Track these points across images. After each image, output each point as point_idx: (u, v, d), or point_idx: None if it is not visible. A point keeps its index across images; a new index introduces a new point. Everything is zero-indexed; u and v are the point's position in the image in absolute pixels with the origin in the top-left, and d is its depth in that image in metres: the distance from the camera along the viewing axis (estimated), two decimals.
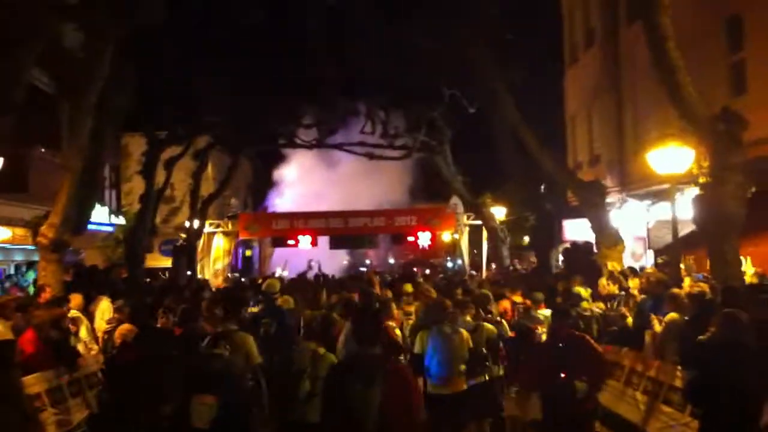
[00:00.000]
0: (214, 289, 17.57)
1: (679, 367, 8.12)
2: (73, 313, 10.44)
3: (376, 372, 4.65)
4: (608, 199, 16.79)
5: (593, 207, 15.67)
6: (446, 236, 30.80)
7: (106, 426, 6.92)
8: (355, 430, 4.65)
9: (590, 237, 16.95)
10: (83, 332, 10.55)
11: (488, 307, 9.89)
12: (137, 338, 7.40)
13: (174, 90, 20.32)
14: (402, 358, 8.46)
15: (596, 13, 21.57)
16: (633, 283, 12.45)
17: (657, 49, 11.22)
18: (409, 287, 12.31)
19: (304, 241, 25.90)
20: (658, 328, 9.23)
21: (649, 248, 19.26)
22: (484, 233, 25.87)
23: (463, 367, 7.79)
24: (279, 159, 41.79)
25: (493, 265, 25.33)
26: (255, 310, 11.13)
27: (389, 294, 12.08)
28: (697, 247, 13.65)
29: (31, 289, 14.74)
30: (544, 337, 8.45)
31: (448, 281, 18.31)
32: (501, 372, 8.69)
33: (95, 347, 10.62)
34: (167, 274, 23.36)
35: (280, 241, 27.62)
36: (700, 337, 6.49)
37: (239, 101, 21.13)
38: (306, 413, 6.12)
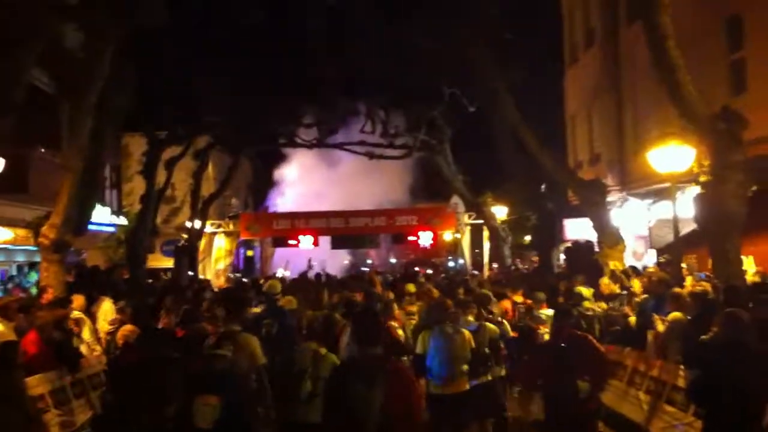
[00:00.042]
0: (216, 290, 17.60)
1: (682, 367, 8.14)
2: (76, 314, 10.45)
3: (377, 373, 4.64)
4: (609, 198, 16.78)
5: (594, 206, 15.66)
6: (447, 236, 30.82)
7: (110, 427, 6.91)
8: (357, 430, 4.65)
9: (591, 236, 16.95)
10: (86, 333, 10.56)
11: (489, 307, 9.89)
12: (139, 339, 7.40)
13: (174, 90, 20.34)
14: (405, 358, 8.48)
15: (596, 13, 21.58)
16: (635, 283, 12.44)
17: (657, 48, 11.22)
18: (411, 287, 12.31)
19: (306, 241, 25.93)
20: (660, 327, 9.23)
21: (650, 247, 19.26)
22: (486, 232, 25.87)
23: (465, 367, 7.80)
24: (279, 159, 41.92)
25: (495, 265, 25.34)
26: (257, 310, 11.14)
27: (391, 295, 12.09)
28: (699, 245, 13.65)
29: (34, 290, 14.74)
30: (546, 337, 8.45)
31: (450, 281, 18.31)
32: (503, 372, 8.70)
33: (98, 348, 10.62)
34: (169, 275, 23.39)
35: (281, 241, 27.64)
36: (703, 336, 6.50)
37: (239, 101, 21.13)
38: (307, 413, 6.14)
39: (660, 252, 17.78)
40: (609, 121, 20.73)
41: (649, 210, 18.61)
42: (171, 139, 21.80)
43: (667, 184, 12.79)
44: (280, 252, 32.54)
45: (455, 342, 7.78)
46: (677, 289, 9.70)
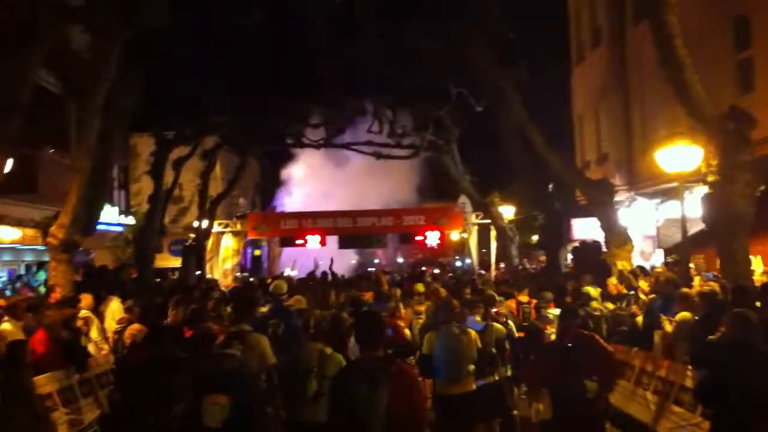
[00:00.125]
0: (223, 289, 17.63)
1: (690, 367, 8.11)
2: (84, 313, 10.50)
3: (380, 375, 4.62)
4: (617, 198, 16.74)
5: (602, 206, 15.62)
6: (455, 235, 30.81)
7: (118, 426, 6.92)
8: (361, 431, 4.65)
9: (599, 236, 16.90)
10: (94, 332, 10.61)
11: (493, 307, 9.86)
12: (147, 338, 7.41)
13: (181, 90, 20.36)
14: (412, 357, 8.48)
15: (603, 12, 21.53)
16: (643, 283, 12.39)
17: (664, 47, 11.19)
18: (420, 287, 12.32)
19: (313, 240, 25.96)
20: (668, 328, 9.19)
21: (658, 247, 19.21)
22: (493, 232, 25.85)
23: (471, 367, 7.78)
24: (287, 158, 41.97)
25: (502, 265, 25.32)
26: (264, 310, 11.15)
27: (398, 293, 12.10)
28: (707, 245, 13.62)
29: (42, 290, 14.81)
30: (553, 337, 8.43)
31: (458, 280, 18.31)
32: (510, 372, 8.69)
33: (106, 347, 10.67)
34: (176, 274, 23.46)
35: (288, 241, 27.66)
36: (711, 337, 6.48)
37: (246, 101, 21.17)
38: (314, 413, 6.16)
39: (668, 252, 17.74)
40: (616, 120, 20.67)
41: (656, 210, 18.56)
42: (179, 139, 21.85)
43: (675, 184, 12.75)
44: (287, 252, 32.55)
45: (461, 342, 7.77)
46: (685, 290, 9.66)
